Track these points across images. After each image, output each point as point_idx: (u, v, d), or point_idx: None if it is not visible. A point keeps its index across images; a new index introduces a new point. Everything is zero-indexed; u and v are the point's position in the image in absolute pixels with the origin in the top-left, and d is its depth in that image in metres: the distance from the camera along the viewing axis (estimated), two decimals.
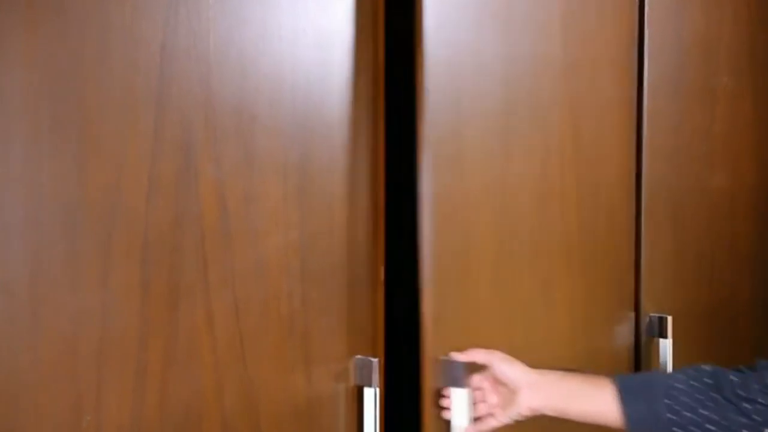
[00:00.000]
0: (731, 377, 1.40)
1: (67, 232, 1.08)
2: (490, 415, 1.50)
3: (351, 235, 1.39)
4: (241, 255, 1.24)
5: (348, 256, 1.38)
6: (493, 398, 1.50)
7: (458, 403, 1.41)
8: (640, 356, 1.86)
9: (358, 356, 1.40)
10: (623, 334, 1.83)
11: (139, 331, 1.14)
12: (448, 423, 1.43)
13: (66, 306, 1.08)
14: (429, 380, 1.41)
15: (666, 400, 1.41)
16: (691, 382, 1.42)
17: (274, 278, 1.28)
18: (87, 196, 1.09)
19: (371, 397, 1.38)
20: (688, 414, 1.39)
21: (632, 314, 1.85)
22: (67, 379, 1.08)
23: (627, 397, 1.43)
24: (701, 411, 1.39)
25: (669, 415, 1.40)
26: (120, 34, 1.12)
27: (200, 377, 1.20)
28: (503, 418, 1.49)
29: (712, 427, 1.38)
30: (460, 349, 1.46)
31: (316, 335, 1.34)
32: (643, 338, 1.87)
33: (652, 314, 1.87)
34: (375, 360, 1.39)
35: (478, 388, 1.50)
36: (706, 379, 1.41)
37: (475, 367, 1.48)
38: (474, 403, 1.48)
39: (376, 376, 1.38)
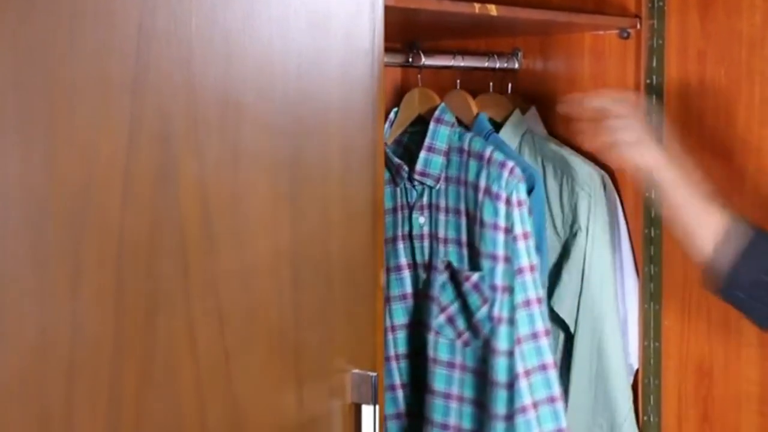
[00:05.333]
0: None
1: (33, 235, 1.07)
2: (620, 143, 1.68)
3: (347, 237, 1.38)
4: (225, 260, 1.23)
5: (344, 260, 1.38)
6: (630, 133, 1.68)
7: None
8: None
9: (356, 370, 1.39)
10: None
11: (113, 345, 1.13)
12: None
13: (32, 317, 1.07)
14: None
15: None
16: None
17: (262, 286, 1.27)
18: (55, 195, 1.08)
19: (370, 416, 1.37)
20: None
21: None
22: (34, 397, 1.07)
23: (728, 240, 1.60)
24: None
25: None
26: (92, 14, 1.10)
27: (180, 395, 1.20)
28: (628, 153, 1.69)
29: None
30: None
31: (308, 348, 1.33)
32: None
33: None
34: (374, 374, 1.38)
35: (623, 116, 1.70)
36: None
37: None
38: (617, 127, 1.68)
39: (375, 392, 1.37)
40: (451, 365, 1.92)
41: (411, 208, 1.98)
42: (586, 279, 1.92)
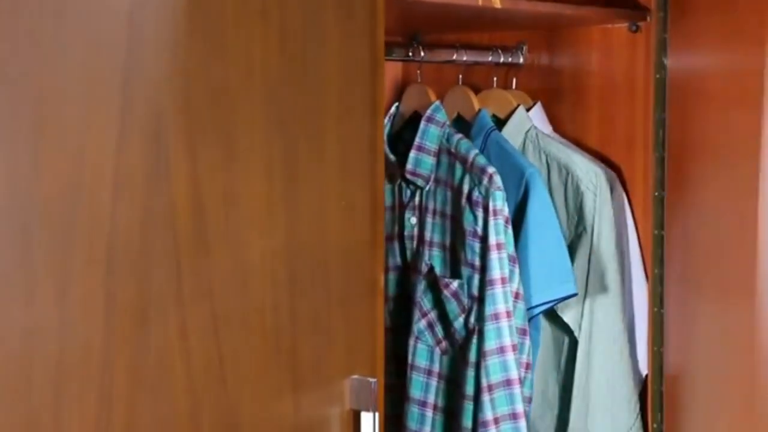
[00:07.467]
0: None
1: (20, 236, 1.06)
2: None
3: (345, 238, 1.38)
4: (219, 262, 1.23)
5: (342, 261, 1.37)
6: None
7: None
8: None
9: (355, 376, 1.38)
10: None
11: (103, 350, 1.13)
12: None
13: (19, 321, 1.07)
14: None
15: None
16: None
17: (257, 288, 1.27)
18: (43, 195, 1.08)
19: (369, 423, 1.37)
20: None
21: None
22: (21, 405, 1.07)
23: None
24: None
25: None
26: (81, 4, 1.10)
27: (173, 402, 1.19)
28: None
29: None
30: None
31: (305, 353, 1.33)
32: None
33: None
34: (373, 380, 1.38)
35: None
36: None
37: None
38: None
39: (375, 398, 1.37)
40: (428, 372, 1.93)
41: (404, 208, 1.98)
42: (590, 282, 1.92)
